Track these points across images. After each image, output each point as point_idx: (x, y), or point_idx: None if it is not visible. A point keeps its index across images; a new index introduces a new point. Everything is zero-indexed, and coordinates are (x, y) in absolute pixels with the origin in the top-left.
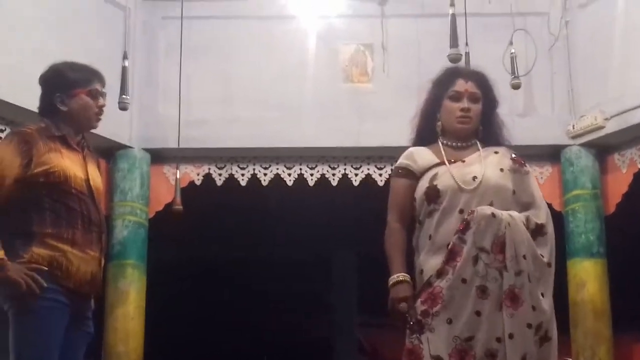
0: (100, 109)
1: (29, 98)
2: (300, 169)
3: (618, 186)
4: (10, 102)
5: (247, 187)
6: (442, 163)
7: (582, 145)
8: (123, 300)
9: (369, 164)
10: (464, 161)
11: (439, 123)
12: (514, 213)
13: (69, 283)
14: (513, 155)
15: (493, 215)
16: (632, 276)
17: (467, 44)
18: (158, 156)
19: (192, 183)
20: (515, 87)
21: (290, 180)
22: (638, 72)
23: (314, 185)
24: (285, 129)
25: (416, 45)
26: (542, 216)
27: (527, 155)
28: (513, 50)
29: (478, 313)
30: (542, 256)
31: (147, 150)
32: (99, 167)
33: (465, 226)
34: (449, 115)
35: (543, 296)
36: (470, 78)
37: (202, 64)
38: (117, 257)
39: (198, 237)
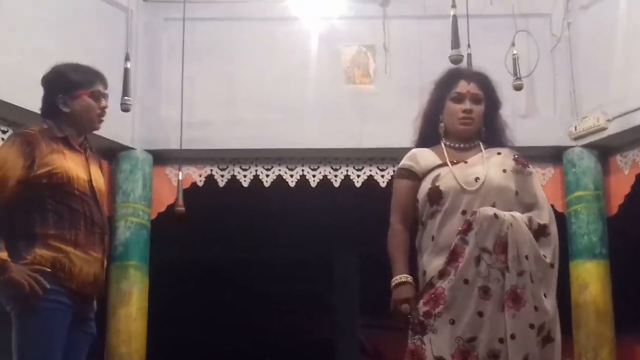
0: (103, 110)
1: (29, 98)
2: (303, 171)
3: (620, 187)
4: (11, 102)
5: (249, 188)
6: (444, 164)
7: (585, 146)
8: (125, 301)
9: (371, 165)
10: (466, 162)
11: (442, 124)
12: (516, 214)
13: (72, 284)
14: (516, 156)
15: (495, 216)
16: (635, 277)
17: (469, 45)
18: (160, 157)
19: (194, 184)
20: (518, 88)
21: (292, 182)
22: None
23: (316, 186)
24: (287, 130)
25: (418, 47)
26: (544, 217)
27: (529, 156)
28: (515, 52)
29: (480, 314)
30: (545, 257)
31: (149, 151)
32: (101, 168)
33: (468, 227)
34: (451, 117)
35: (545, 297)
36: (472, 79)
37: (204, 65)
38: (120, 258)
39: (200, 238)
